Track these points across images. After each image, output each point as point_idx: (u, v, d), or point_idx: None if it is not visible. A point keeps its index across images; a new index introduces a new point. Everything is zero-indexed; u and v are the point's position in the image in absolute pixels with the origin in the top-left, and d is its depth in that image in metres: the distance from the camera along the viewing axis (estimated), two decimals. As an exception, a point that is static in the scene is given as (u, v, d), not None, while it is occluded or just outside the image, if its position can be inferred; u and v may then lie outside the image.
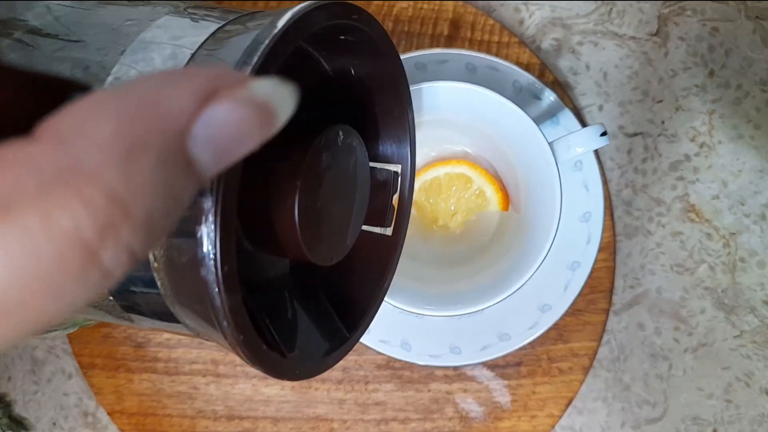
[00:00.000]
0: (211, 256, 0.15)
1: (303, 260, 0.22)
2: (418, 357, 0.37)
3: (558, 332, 0.39)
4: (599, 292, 0.40)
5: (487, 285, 0.29)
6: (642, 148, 0.42)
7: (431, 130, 0.33)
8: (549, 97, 0.36)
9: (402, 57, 0.36)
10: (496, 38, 0.41)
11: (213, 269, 0.16)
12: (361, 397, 0.40)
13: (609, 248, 0.39)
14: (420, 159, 0.35)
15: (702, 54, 0.43)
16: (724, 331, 0.42)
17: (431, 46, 0.40)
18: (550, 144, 0.28)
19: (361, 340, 0.37)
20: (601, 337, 0.40)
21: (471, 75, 0.36)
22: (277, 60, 0.17)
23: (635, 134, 0.42)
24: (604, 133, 0.28)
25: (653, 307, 0.42)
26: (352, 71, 0.25)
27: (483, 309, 0.28)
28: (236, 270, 0.16)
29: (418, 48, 0.39)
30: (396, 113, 0.25)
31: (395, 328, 0.38)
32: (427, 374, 0.39)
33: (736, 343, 0.42)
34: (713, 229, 0.42)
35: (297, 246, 0.21)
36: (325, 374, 0.39)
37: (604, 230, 0.37)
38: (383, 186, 0.26)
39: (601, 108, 0.43)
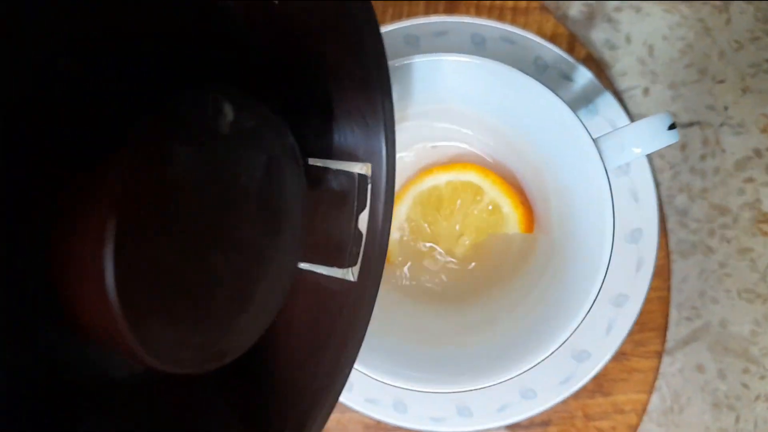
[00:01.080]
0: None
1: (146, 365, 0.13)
2: (417, 421, 0.28)
3: (597, 382, 0.30)
4: (650, 330, 0.31)
5: (508, 342, 0.21)
6: (700, 142, 0.33)
7: (427, 123, 0.24)
8: (583, 76, 0.27)
9: (387, 28, 0.27)
10: (510, 2, 0.32)
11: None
12: (346, 466, 0.31)
13: (663, 273, 0.30)
14: (413, 162, 0.26)
15: (775, 20, 0.33)
16: (809, 375, 0.33)
17: (427, 13, 0.31)
18: (595, 142, 0.19)
19: (341, 399, 0.28)
20: (653, 388, 0.31)
21: (479, 49, 0.28)
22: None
23: (691, 124, 0.33)
24: (672, 126, 0.19)
25: (716, 345, 0.33)
26: (276, 2, 0.15)
27: (503, 381, 0.19)
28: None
29: (410, 16, 0.30)
30: (358, 77, 0.16)
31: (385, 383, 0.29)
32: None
33: (825, 389, 0.33)
34: (793, 244, 0.33)
35: (122, 341, 0.12)
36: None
37: (659, 244, 0.28)
38: (340, 200, 0.17)
39: (646, 91, 0.34)
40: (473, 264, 0.25)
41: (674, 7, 0.34)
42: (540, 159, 0.21)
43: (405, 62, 0.21)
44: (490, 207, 0.24)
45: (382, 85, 0.16)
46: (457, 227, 0.25)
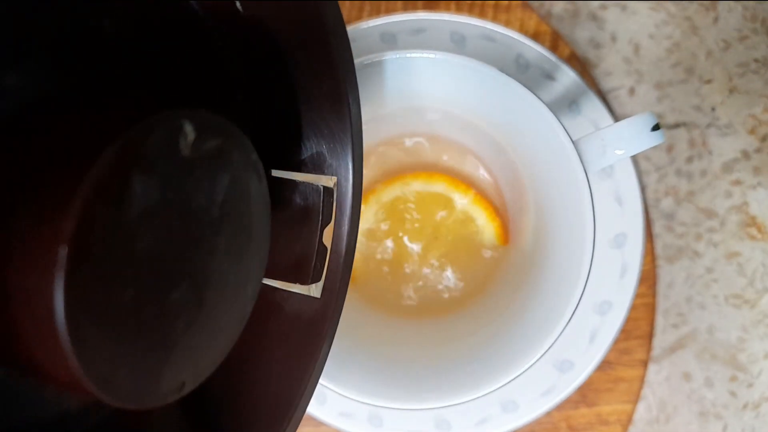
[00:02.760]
0: None
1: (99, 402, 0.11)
2: (393, 435, 0.27)
3: (581, 392, 0.29)
4: (635, 338, 0.30)
5: (487, 354, 0.20)
6: (686, 143, 0.32)
7: (393, 127, 0.23)
8: (566, 75, 0.26)
9: (364, 26, 0.26)
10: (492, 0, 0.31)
11: None
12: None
13: (649, 279, 0.29)
14: (373, 170, 0.25)
15: (763, 19, 0.32)
16: (798, 383, 0.32)
17: (405, 9, 0.30)
18: (575, 144, 0.18)
19: (314, 413, 0.27)
20: (638, 397, 0.30)
21: (458, 47, 0.26)
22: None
23: (677, 125, 0.32)
24: (656, 127, 0.18)
25: (703, 352, 0.32)
26: (240, 8, 0.14)
27: (482, 396, 0.18)
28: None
29: (387, 12, 0.29)
30: (325, 88, 0.15)
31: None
32: (408, 449, 0.29)
33: (813, 397, 0.32)
34: (781, 248, 0.32)
35: (74, 379, 0.10)
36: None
37: (645, 248, 0.27)
38: (304, 214, 0.16)
39: (632, 91, 0.33)
40: (447, 276, 0.23)
41: (660, 5, 0.33)
42: (519, 162, 0.20)
43: (376, 59, 0.20)
44: (462, 218, 0.23)
45: (350, 94, 0.15)
46: (426, 240, 0.24)
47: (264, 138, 0.15)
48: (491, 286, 0.23)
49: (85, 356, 0.10)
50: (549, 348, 0.18)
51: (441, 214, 0.23)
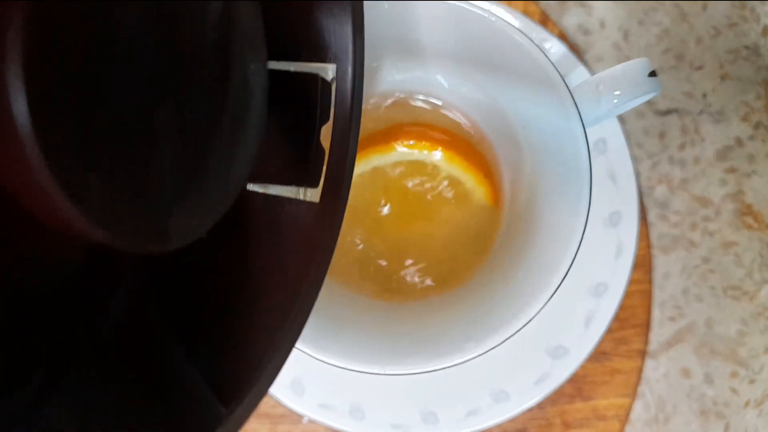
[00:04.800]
0: None
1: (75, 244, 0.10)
2: (376, 428, 0.25)
3: (576, 386, 0.28)
4: (632, 327, 0.28)
5: (474, 319, 0.18)
6: (679, 130, 0.31)
7: (391, 74, 0.21)
8: (554, 49, 0.25)
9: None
10: (479, -21, 0.30)
11: None
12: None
13: (645, 265, 0.28)
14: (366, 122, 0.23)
15: (752, 6, 0.32)
16: (801, 378, 0.30)
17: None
18: (571, 92, 0.17)
19: (291, 405, 0.25)
20: (636, 391, 0.28)
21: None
22: None
23: (669, 112, 0.32)
24: (653, 74, 0.17)
25: (702, 346, 0.31)
26: None
27: (468, 360, 0.16)
28: None
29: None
30: None
31: (341, 386, 0.26)
32: (392, 448, 0.27)
33: (818, 394, 0.30)
34: (779, 237, 0.31)
35: (41, 188, 0.09)
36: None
37: (639, 233, 0.26)
38: (299, 109, 0.14)
39: (621, 78, 0.32)
40: (435, 232, 0.22)
41: (649, -8, 0.32)
42: (514, 115, 0.19)
43: (371, 3, 0.19)
44: (447, 183, 0.21)
45: None
46: (412, 206, 0.22)
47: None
48: (481, 251, 0.21)
49: (52, 157, 0.08)
50: (538, 312, 0.17)
51: (425, 180, 0.22)
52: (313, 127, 0.14)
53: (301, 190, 0.14)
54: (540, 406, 0.28)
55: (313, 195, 0.14)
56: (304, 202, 0.14)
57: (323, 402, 0.26)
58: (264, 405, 0.28)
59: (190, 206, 0.12)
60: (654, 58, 0.32)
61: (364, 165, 0.22)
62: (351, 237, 0.22)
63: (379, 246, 0.22)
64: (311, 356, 0.16)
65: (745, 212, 0.31)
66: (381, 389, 0.26)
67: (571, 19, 0.32)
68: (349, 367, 0.16)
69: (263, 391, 0.13)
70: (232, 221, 0.14)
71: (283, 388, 0.26)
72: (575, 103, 0.17)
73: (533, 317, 0.16)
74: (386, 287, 0.22)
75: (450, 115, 0.22)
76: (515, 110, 0.19)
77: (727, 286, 0.31)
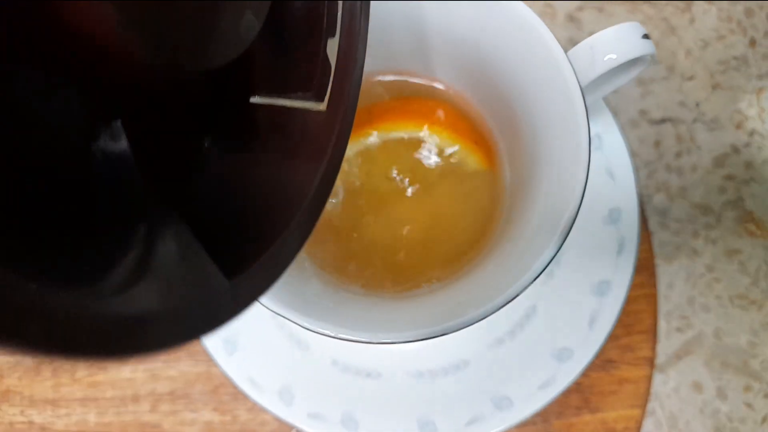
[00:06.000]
0: None
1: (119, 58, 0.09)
2: (370, 439, 0.24)
3: (582, 396, 0.26)
4: (638, 333, 0.27)
5: (469, 283, 0.17)
6: (673, 138, 0.31)
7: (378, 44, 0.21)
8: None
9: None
10: None
11: None
12: None
13: (648, 268, 0.27)
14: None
15: (738, 20, 0.33)
16: (819, 391, 0.29)
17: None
18: (567, 55, 0.17)
19: (279, 414, 0.24)
20: (646, 401, 0.27)
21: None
22: None
23: (663, 121, 0.31)
24: (645, 36, 0.17)
25: (712, 359, 0.29)
26: None
27: (470, 323, 0.15)
28: None
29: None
30: None
31: (332, 394, 0.24)
32: (388, 469, 0.26)
33: (837, 408, 0.29)
34: (784, 243, 0.30)
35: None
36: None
37: (640, 237, 0.25)
38: (304, 21, 0.14)
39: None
40: (431, 192, 0.21)
41: (636, 7, 0.33)
42: (507, 82, 0.19)
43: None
44: (434, 153, 0.21)
45: None
46: (396, 173, 0.22)
47: None
48: (474, 217, 0.20)
49: None
50: (534, 279, 0.16)
51: (412, 155, 0.21)
52: (319, 41, 0.14)
53: (308, 104, 0.14)
54: (545, 418, 0.26)
55: (319, 104, 0.14)
56: (311, 112, 0.14)
57: (313, 411, 0.24)
58: (251, 422, 0.26)
59: (201, 22, 0.12)
60: (646, 69, 0.32)
61: (349, 149, 0.21)
62: (347, 226, 0.21)
63: (378, 234, 0.21)
64: (303, 327, 0.15)
65: (747, 219, 0.30)
66: (375, 396, 0.24)
67: (562, 32, 0.33)
68: (341, 335, 0.15)
69: (275, 274, 0.12)
70: (241, 128, 0.14)
71: (270, 396, 0.24)
72: (569, 60, 0.16)
73: (541, 272, 0.15)
74: (386, 278, 0.21)
75: (435, 86, 0.22)
76: (509, 77, 0.18)
77: (734, 295, 0.30)
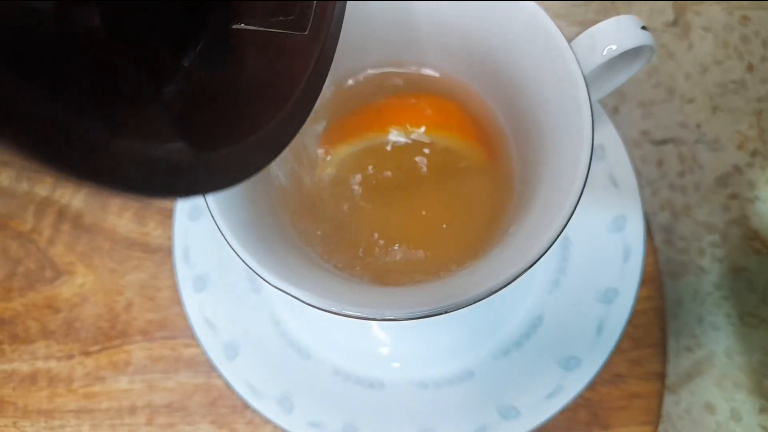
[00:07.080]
0: None
1: None
2: (372, 450, 0.23)
3: (591, 412, 0.25)
4: (647, 347, 0.26)
5: (468, 269, 0.17)
6: (676, 158, 0.32)
7: (350, 60, 0.22)
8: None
9: None
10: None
11: None
12: None
13: (654, 281, 0.27)
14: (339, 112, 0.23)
15: (735, 45, 0.34)
16: (836, 413, 0.28)
17: None
18: (570, 45, 0.17)
19: (279, 422, 0.23)
20: (658, 418, 0.26)
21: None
22: None
23: (665, 141, 0.32)
24: (644, 28, 0.18)
25: (724, 379, 0.28)
26: None
27: (474, 301, 0.15)
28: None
29: None
30: None
31: (334, 403, 0.24)
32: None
33: None
34: (791, 261, 0.30)
35: None
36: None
37: (646, 249, 0.25)
38: None
39: (615, 110, 0.33)
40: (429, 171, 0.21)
41: (635, 34, 0.34)
42: (511, 73, 0.19)
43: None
44: (427, 151, 0.21)
45: None
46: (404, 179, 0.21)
47: None
48: (482, 207, 0.20)
49: None
50: (538, 259, 0.15)
51: (411, 156, 0.21)
52: None
53: (291, 34, 0.14)
54: (552, 418, 0.25)
55: (302, 29, 0.14)
56: (293, 35, 0.14)
57: (313, 420, 0.23)
58: (249, 436, 0.26)
59: None
60: (645, 91, 0.33)
61: (349, 148, 0.21)
62: (347, 225, 0.21)
63: (381, 232, 0.21)
64: (307, 303, 0.15)
65: (752, 237, 0.30)
66: (377, 406, 0.24)
67: (562, 57, 0.34)
68: (344, 311, 0.15)
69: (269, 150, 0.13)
70: (227, 48, 0.14)
71: (269, 403, 0.23)
72: (571, 47, 0.17)
73: (550, 245, 0.15)
74: (385, 271, 0.21)
75: (438, 77, 0.22)
76: (512, 67, 0.19)
77: (743, 313, 0.29)
